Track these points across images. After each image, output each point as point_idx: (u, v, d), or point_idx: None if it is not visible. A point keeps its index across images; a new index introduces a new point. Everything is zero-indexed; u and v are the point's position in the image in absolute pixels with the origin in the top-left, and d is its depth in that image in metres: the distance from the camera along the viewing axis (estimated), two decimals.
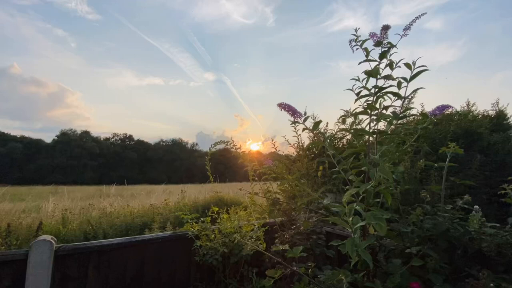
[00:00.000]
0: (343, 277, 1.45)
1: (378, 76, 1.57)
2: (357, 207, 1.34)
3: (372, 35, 1.56)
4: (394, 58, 1.58)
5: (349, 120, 4.00)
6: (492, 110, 4.93)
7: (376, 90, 1.58)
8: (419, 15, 1.49)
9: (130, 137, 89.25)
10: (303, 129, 1.79)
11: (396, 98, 1.62)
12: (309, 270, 1.82)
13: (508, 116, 4.86)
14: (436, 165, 1.91)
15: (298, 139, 3.31)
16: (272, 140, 2.95)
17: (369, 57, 1.60)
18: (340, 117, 4.10)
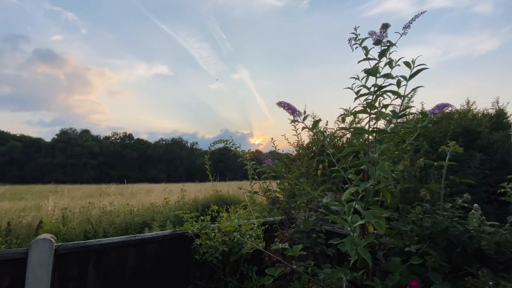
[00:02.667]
0: (342, 276, 1.45)
1: (378, 75, 1.57)
2: (356, 205, 1.34)
3: (372, 33, 1.56)
4: (394, 56, 1.58)
5: (349, 119, 4.01)
6: (492, 108, 4.94)
7: (376, 88, 1.58)
8: (418, 14, 1.49)
9: (130, 136, 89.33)
10: (303, 128, 1.79)
11: (396, 96, 1.62)
12: (309, 268, 1.83)
13: (508, 114, 4.86)
14: (435, 163, 1.90)
15: (297, 137, 3.31)
16: (272, 139, 2.95)
17: (369, 56, 1.59)
18: (340, 115, 4.10)
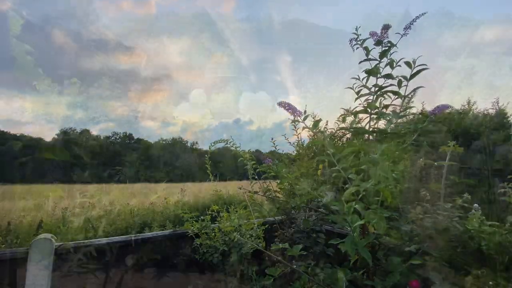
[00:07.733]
0: (342, 275, 1.45)
1: (378, 75, 1.57)
2: (356, 205, 1.35)
3: (373, 34, 1.56)
4: (395, 56, 1.58)
5: (349, 119, 4.01)
6: (492, 109, 4.94)
7: (376, 89, 1.58)
8: (419, 15, 1.49)
9: (130, 136, 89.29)
10: (303, 128, 1.79)
11: (396, 97, 1.62)
12: (309, 268, 1.83)
13: (508, 114, 4.87)
14: (436, 163, 1.91)
15: (298, 137, 3.31)
16: (272, 139, 2.96)
17: (370, 56, 1.59)
18: (340, 115, 4.10)
